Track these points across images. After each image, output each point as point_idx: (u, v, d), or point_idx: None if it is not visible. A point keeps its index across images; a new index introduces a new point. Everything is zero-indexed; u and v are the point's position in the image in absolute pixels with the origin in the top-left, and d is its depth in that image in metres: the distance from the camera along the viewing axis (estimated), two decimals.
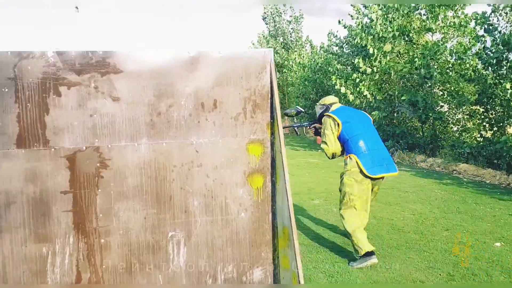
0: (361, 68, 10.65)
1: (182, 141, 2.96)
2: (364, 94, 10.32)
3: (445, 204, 6.21)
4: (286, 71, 22.62)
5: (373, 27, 10.42)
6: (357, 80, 10.69)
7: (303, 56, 19.85)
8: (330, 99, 4.41)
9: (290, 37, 24.00)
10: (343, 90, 10.71)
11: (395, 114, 10.91)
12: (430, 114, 9.86)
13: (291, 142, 15.48)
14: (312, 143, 15.05)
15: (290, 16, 24.11)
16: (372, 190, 4.10)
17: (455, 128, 10.56)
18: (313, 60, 17.04)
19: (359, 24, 11.63)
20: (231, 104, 3.02)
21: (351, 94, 10.65)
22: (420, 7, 10.66)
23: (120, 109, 2.90)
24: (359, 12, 12.60)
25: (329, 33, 15.46)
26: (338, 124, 4.08)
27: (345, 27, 13.52)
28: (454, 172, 8.59)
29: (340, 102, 4.58)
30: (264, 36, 24.49)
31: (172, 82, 2.92)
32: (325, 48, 16.76)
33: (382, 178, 4.05)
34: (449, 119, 10.67)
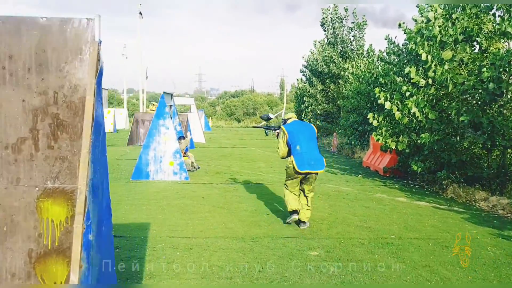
0: (413, 79, 8.81)
1: None
2: (413, 111, 8.46)
3: (496, 272, 4.39)
4: (342, 82, 20.81)
5: (430, 28, 8.55)
6: (407, 94, 8.85)
7: (360, 67, 18.01)
8: (289, 115, 6.31)
9: (351, 45, 22.15)
10: (387, 105, 8.91)
11: (452, 138, 8.88)
12: (498, 140, 7.79)
13: (330, 163, 13.75)
14: (352, 166, 13.26)
15: (352, 22, 22.29)
16: (309, 180, 5.86)
17: None
18: (369, 70, 15.18)
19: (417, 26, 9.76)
20: (6, 120, 1.67)
21: (397, 110, 8.82)
22: (495, 7, 8.61)
23: None
24: (422, 12, 10.70)
25: (386, 39, 13.54)
26: (285, 134, 5.89)
27: (405, 32, 11.77)
28: None
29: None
30: (320, 43, 22.87)
31: None
32: (382, 56, 14.86)
33: (312, 173, 5.76)
34: None
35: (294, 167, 5.67)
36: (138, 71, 30.99)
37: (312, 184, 5.91)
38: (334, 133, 17.68)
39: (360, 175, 10.96)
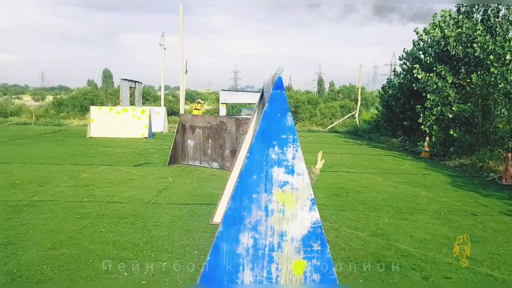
0: None
1: None
2: None
3: None
4: (495, 72, 14.00)
5: None
6: None
7: None
8: None
9: (499, 11, 15.27)
10: None
11: None
12: None
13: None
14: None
15: None
16: None
17: None
18: None
19: None
20: None
21: None
22: None
23: None
24: None
25: None
26: None
27: None
28: None
29: None
30: (450, 14, 16.11)
31: None
32: None
33: None
34: None
35: None
36: (178, 61, 24.67)
37: None
38: (508, 155, 10.99)
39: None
